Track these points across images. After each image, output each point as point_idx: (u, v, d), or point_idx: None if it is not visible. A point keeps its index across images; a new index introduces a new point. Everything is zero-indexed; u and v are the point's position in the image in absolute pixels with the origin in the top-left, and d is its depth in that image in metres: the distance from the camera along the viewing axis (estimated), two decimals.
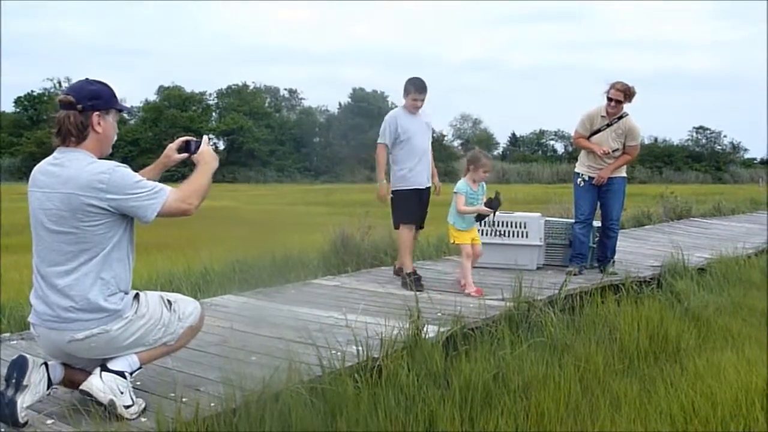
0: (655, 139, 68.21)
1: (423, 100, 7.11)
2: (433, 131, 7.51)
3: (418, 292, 6.18)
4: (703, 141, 71.77)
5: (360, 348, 4.34)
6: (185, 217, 3.46)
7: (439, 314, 5.29)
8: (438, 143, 67.75)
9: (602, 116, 7.72)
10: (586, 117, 7.82)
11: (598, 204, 8.02)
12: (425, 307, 5.10)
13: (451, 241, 7.00)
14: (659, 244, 10.37)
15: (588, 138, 7.81)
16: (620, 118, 7.69)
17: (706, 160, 67.44)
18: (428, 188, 7.28)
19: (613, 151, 7.72)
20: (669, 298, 6.85)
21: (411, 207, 7.14)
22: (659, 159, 64.05)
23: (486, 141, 74.22)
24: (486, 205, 6.78)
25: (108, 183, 3.29)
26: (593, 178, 7.82)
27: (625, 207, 8.57)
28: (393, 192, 7.20)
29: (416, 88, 7.03)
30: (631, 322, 5.60)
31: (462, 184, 6.83)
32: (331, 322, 5.29)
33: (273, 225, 16.42)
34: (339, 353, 4.17)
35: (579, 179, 7.95)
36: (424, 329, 4.73)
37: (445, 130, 76.10)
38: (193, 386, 3.82)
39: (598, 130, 7.75)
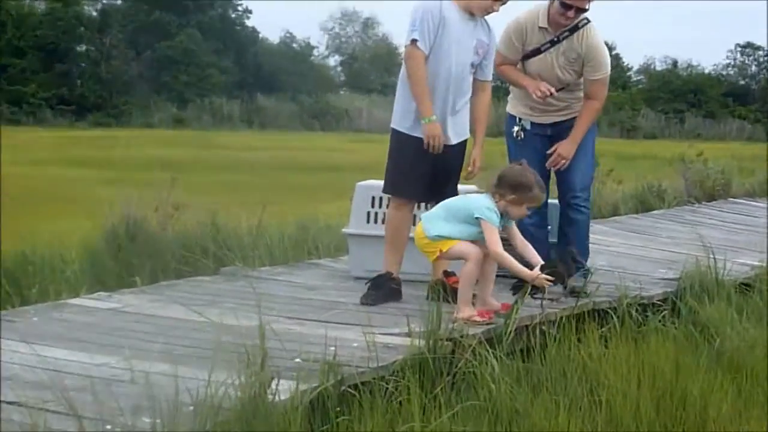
0: (674, 64, 42.72)
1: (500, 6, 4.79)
2: (484, 57, 4.89)
3: (368, 305, 4.58)
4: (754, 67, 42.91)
5: (157, 420, 2.99)
6: None
7: (299, 359, 3.71)
8: (302, 60, 47.50)
9: (541, 27, 5.10)
10: (514, 30, 5.17)
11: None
12: (275, 347, 3.43)
13: (434, 257, 4.52)
14: (675, 243, 8.07)
15: (521, 63, 5.27)
16: (574, 30, 5.07)
17: (759, 99, 39.65)
18: (456, 147, 4.86)
19: (558, 90, 5.12)
20: (691, 334, 5.23)
21: (416, 167, 4.75)
22: (680, 95, 39.39)
23: (385, 58, 47.37)
24: (544, 270, 4.37)
25: None
26: (539, 124, 5.28)
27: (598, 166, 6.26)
28: (393, 132, 4.89)
29: None
30: (626, 373, 4.24)
31: (491, 210, 4.34)
32: (106, 374, 3.65)
33: (3, 201, 10.39)
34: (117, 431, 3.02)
35: (516, 127, 5.34)
36: (273, 385, 3.32)
37: (314, 38, 57.08)
38: None
39: (537, 51, 5.15)
